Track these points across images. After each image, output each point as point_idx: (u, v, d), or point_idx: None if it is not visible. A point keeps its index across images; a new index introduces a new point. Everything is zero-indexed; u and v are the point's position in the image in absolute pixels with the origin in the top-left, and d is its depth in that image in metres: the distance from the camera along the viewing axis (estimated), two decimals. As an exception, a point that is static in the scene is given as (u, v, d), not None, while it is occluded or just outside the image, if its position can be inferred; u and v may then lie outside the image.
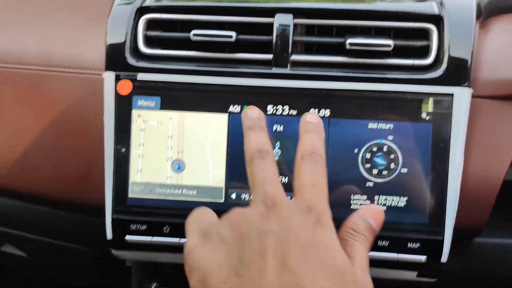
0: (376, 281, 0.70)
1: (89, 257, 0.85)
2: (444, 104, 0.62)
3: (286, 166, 0.64)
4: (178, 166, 0.66)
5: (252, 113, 0.56)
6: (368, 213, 0.52)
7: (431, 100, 0.62)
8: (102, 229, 0.69)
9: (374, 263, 0.63)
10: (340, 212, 0.62)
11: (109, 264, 0.85)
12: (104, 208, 0.67)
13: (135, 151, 0.66)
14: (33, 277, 1.09)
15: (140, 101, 0.66)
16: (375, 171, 0.64)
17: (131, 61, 0.66)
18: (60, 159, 0.73)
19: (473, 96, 0.64)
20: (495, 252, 0.71)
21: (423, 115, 0.63)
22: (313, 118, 0.56)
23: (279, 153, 0.65)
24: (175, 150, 0.66)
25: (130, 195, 0.67)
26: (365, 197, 0.64)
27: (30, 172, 0.74)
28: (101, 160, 0.68)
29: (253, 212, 0.47)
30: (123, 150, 0.66)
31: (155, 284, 0.76)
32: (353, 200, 0.64)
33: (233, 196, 0.65)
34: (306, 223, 0.45)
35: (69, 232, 0.81)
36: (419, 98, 0.62)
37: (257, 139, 0.54)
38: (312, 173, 0.51)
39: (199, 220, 0.51)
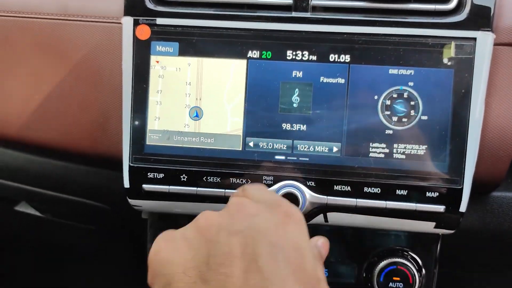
0: (393, 236, 0.71)
1: (106, 214, 0.85)
2: (466, 49, 0.61)
3: (304, 113, 0.64)
4: (196, 114, 0.66)
5: None
6: (320, 242, 0.51)
7: (453, 44, 0.61)
8: (119, 182, 0.69)
9: (391, 213, 0.62)
10: (359, 161, 0.62)
11: (125, 219, 0.85)
12: (121, 159, 0.67)
13: (153, 98, 0.66)
14: (47, 240, 1.09)
15: (159, 46, 0.65)
16: (394, 118, 0.63)
17: (150, 5, 0.65)
18: (77, 110, 0.73)
19: (495, 44, 0.63)
20: (513, 206, 0.71)
21: (445, 60, 0.62)
22: None
23: (298, 100, 0.64)
24: (193, 97, 0.65)
25: (148, 142, 0.66)
26: (384, 145, 0.64)
27: (46, 123, 0.74)
28: (118, 110, 0.68)
29: (221, 214, 0.46)
30: (141, 97, 0.66)
31: None
32: (372, 148, 0.64)
33: (251, 144, 0.65)
34: (275, 219, 0.44)
35: (86, 187, 0.81)
36: (441, 43, 0.62)
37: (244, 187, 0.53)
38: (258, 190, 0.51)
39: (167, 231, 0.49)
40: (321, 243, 0.51)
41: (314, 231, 0.70)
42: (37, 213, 0.95)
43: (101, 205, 0.83)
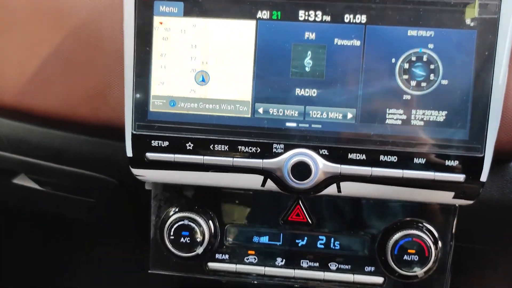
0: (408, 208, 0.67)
1: (109, 187, 0.82)
2: (491, 9, 0.57)
3: (317, 78, 0.60)
4: (202, 78, 0.62)
5: None
6: None
7: (476, 3, 0.58)
8: (121, 153, 0.66)
9: (408, 182, 0.59)
10: (375, 127, 0.59)
11: (128, 192, 0.82)
12: (123, 127, 0.64)
13: (157, 61, 0.62)
14: (46, 215, 1.07)
15: (162, 7, 0.61)
16: (413, 83, 0.60)
17: (153, -38, 0.61)
18: (76, 75, 0.69)
19: (521, 4, 0.59)
20: (535, 177, 0.67)
21: (467, 21, 0.58)
22: None
23: (310, 64, 0.60)
24: (199, 61, 0.62)
25: (151, 109, 0.63)
26: (401, 111, 0.60)
27: (44, 89, 0.71)
28: (120, 75, 0.65)
29: None
30: (144, 60, 0.62)
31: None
32: (389, 114, 0.60)
33: (260, 110, 0.62)
34: None
35: (86, 158, 0.78)
36: (464, 2, 0.58)
37: None
38: None
39: None
40: None
41: (327, 202, 0.69)
42: (37, 186, 0.92)
43: (103, 177, 0.80)
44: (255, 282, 0.71)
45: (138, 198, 0.81)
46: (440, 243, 0.67)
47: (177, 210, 0.70)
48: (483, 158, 0.60)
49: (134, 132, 0.63)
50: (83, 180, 0.82)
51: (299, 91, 0.61)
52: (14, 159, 0.82)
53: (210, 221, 0.69)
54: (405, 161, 0.60)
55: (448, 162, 0.60)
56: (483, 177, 0.60)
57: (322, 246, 0.69)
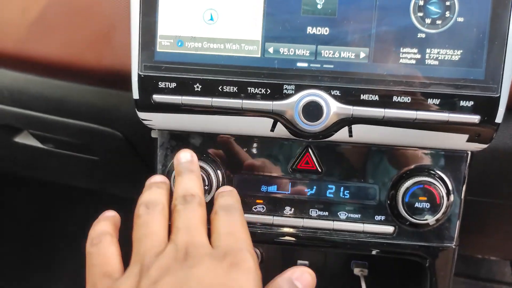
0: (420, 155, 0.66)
1: (111, 140, 0.80)
2: None
3: (329, 16, 0.58)
4: (211, 17, 0.60)
5: (183, 157, 0.55)
6: (296, 275, 0.47)
7: None
8: (125, 103, 0.64)
9: (421, 125, 0.58)
10: (388, 68, 0.57)
11: (135, 147, 0.80)
12: (128, 74, 0.62)
13: (164, -1, 0.60)
14: (48, 175, 1.05)
15: None
16: (428, 20, 0.58)
17: None
18: (79, 19, 0.68)
19: None
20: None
21: (486, -46, 0.56)
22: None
23: (322, 1, 0.59)
24: (208, -2, 0.60)
25: (158, 49, 0.61)
26: (415, 50, 0.59)
27: (46, 34, 0.69)
28: (124, 17, 0.63)
29: (159, 266, 0.43)
30: (151, -2, 0.60)
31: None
32: (402, 54, 0.59)
33: (271, 50, 0.60)
34: (217, 268, 0.42)
35: (89, 109, 0.76)
36: None
37: (184, 184, 0.52)
38: (228, 223, 0.49)
39: (99, 266, 0.47)
40: (297, 276, 0.47)
41: (337, 150, 0.67)
42: (39, 144, 0.90)
43: (107, 130, 0.78)
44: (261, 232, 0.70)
45: (144, 154, 0.80)
46: (452, 191, 0.66)
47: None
48: (499, 98, 0.58)
49: (141, 73, 0.61)
50: (86, 134, 0.80)
51: (310, 30, 0.59)
52: (15, 113, 0.80)
53: (218, 170, 0.67)
54: (418, 102, 0.59)
55: (463, 103, 0.59)
56: (499, 118, 0.59)
57: (332, 195, 0.68)
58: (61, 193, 1.27)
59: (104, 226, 0.52)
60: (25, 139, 0.90)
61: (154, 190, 0.53)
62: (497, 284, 1.41)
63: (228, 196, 0.54)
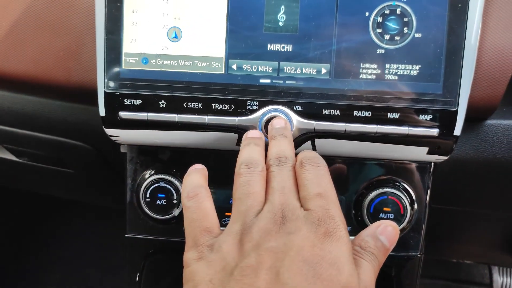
0: (383, 167, 0.67)
1: (87, 155, 0.81)
2: (463, -40, 0.57)
3: (291, 33, 0.60)
4: (175, 35, 0.61)
5: (276, 123, 0.56)
6: (381, 230, 0.48)
7: (449, -46, 0.57)
8: (96, 118, 0.65)
9: (382, 138, 0.59)
10: (349, 83, 0.59)
11: (107, 160, 0.81)
12: (96, 89, 0.63)
13: (128, 18, 0.61)
14: (25, 188, 1.05)
15: (133, -39, 0.60)
16: (387, 37, 0.59)
17: None
18: (48, 35, 0.68)
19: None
20: (508, 134, 0.68)
21: (440, -28, 0.58)
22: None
23: (284, 18, 0.60)
24: (171, 17, 0.61)
25: (124, 66, 0.62)
26: (375, 65, 0.60)
27: (15, 50, 0.69)
28: (92, 35, 0.63)
29: (259, 227, 0.45)
30: (115, 17, 0.61)
31: None
32: (362, 69, 0.60)
33: (234, 66, 0.61)
34: (314, 237, 0.43)
35: (61, 124, 0.77)
36: (437, -47, 0.57)
37: (278, 147, 0.52)
38: (316, 179, 0.48)
39: (199, 221, 0.49)
40: (381, 230, 0.48)
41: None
42: (14, 158, 0.91)
43: (80, 144, 0.79)
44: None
45: (116, 167, 0.81)
46: (415, 201, 0.67)
47: (153, 172, 0.69)
48: (456, 111, 0.60)
49: (107, 91, 0.62)
50: (59, 148, 0.81)
51: (273, 47, 0.60)
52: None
53: (186, 183, 0.68)
54: (379, 116, 0.60)
55: (421, 117, 0.60)
56: (457, 131, 0.60)
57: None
58: (43, 202, 1.27)
59: (198, 179, 0.53)
60: (0, 153, 0.90)
61: (253, 148, 0.53)
62: (477, 286, 1.43)
63: (311, 151, 0.53)
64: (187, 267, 0.46)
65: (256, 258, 0.42)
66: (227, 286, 0.42)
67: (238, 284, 0.41)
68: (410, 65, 0.59)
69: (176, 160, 0.69)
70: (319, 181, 0.49)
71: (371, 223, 0.63)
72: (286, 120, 0.59)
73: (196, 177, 0.53)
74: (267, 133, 0.60)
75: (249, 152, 0.53)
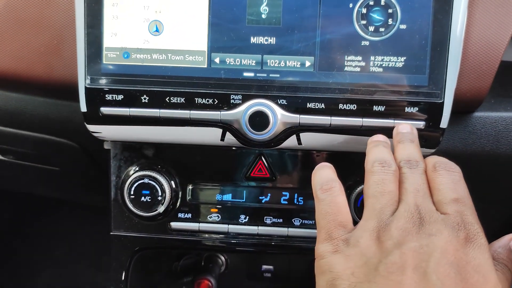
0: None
1: (69, 151, 0.79)
2: (448, -51, 0.56)
3: (274, 25, 0.59)
4: (156, 28, 0.60)
5: (403, 128, 0.56)
6: None
7: None
8: (79, 114, 0.63)
9: (368, 131, 0.58)
10: (334, 76, 0.58)
11: (92, 156, 0.80)
12: (78, 85, 0.62)
13: (109, 12, 0.60)
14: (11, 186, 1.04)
15: (112, -47, 0.59)
16: (371, 28, 0.58)
17: None
18: (29, 31, 0.67)
19: None
20: (496, 127, 0.67)
21: (425, -38, 0.57)
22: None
23: (267, 11, 0.59)
24: (152, 10, 0.60)
25: (105, 61, 0.61)
26: (360, 57, 0.59)
27: (-4, 48, 0.68)
28: (73, 30, 0.62)
29: (398, 226, 0.44)
30: (95, 11, 0.60)
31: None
32: (347, 62, 0.59)
33: (217, 60, 0.60)
34: (456, 242, 0.42)
35: (44, 121, 0.76)
36: None
37: (407, 150, 0.52)
38: (452, 184, 0.48)
39: (334, 215, 0.48)
40: None
41: (290, 157, 0.67)
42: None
43: (63, 141, 0.78)
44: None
45: (102, 164, 0.79)
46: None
47: (137, 169, 0.68)
48: (442, 103, 0.59)
49: (88, 86, 0.61)
50: (43, 145, 0.80)
51: (256, 39, 0.59)
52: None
53: (171, 180, 0.67)
54: (364, 109, 0.59)
55: (407, 109, 0.59)
56: (443, 124, 0.59)
57: (286, 202, 0.68)
58: (31, 203, 1.26)
59: (331, 173, 0.53)
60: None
61: (383, 149, 0.53)
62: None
63: (442, 157, 0.52)
64: (322, 258, 0.46)
65: (400, 256, 0.41)
66: (372, 281, 0.41)
67: (385, 281, 0.41)
68: (395, 57, 0.58)
69: (160, 157, 0.68)
70: (455, 186, 0.48)
71: (358, 217, 0.62)
72: (412, 126, 0.57)
73: (329, 171, 0.53)
74: (252, 127, 0.59)
75: (381, 152, 0.52)
